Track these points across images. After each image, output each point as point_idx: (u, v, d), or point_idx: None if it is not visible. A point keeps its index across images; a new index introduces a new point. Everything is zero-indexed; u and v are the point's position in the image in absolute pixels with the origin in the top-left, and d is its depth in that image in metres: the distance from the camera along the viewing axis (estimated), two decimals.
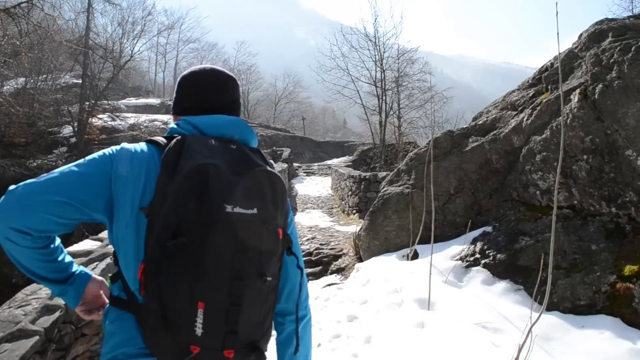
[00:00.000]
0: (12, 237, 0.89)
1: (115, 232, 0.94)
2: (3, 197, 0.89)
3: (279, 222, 0.93)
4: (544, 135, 4.05)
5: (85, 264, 2.84)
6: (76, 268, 1.08)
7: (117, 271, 0.97)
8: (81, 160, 0.95)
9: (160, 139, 0.98)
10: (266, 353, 1.01)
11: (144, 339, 0.88)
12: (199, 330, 0.81)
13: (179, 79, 1.17)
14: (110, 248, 3.04)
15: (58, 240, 1.03)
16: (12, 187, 0.89)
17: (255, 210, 0.86)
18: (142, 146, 0.98)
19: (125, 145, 0.98)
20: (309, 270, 5.87)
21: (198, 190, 0.83)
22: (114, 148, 0.97)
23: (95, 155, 0.96)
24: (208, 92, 1.09)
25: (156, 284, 0.84)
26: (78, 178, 0.91)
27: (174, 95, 1.17)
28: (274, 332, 1.13)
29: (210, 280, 0.82)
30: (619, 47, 3.75)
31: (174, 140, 0.92)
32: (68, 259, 1.06)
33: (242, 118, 1.13)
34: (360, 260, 5.46)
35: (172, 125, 1.04)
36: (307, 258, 6.24)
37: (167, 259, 0.82)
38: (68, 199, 0.89)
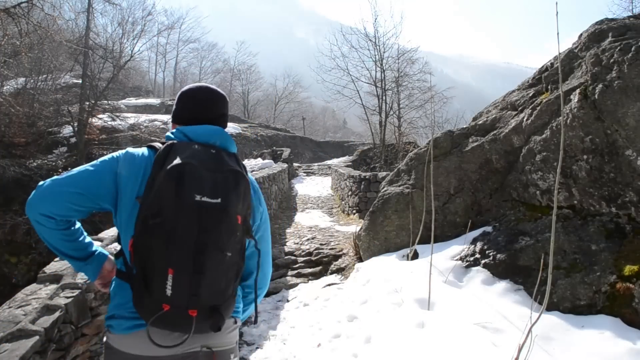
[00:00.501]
0: (41, 221, 1.14)
1: (118, 217, 1.20)
2: (34, 191, 1.15)
3: (239, 211, 1.13)
4: (544, 135, 4.04)
5: None
6: (95, 248, 1.33)
7: (120, 249, 1.23)
8: (95, 161, 1.20)
9: (158, 144, 1.21)
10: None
11: (132, 302, 1.09)
12: (169, 291, 1.02)
13: (179, 93, 1.38)
14: (110, 248, 3.05)
15: (78, 224, 1.27)
16: (41, 182, 1.15)
17: (219, 200, 1.07)
18: (143, 150, 1.23)
19: (129, 149, 1.24)
20: (309, 270, 5.86)
21: (176, 182, 1.05)
22: (121, 152, 1.23)
23: (106, 157, 1.22)
24: (202, 106, 1.32)
25: (140, 255, 1.07)
26: (91, 175, 1.17)
27: (174, 107, 1.38)
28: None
29: (178, 252, 1.03)
30: (619, 47, 3.75)
31: (165, 145, 1.17)
32: (87, 240, 1.30)
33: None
34: (360, 260, 5.46)
35: (169, 133, 1.28)
36: (307, 258, 6.24)
37: (149, 235, 1.05)
38: (83, 190, 1.14)
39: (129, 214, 1.15)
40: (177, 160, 1.07)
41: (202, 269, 1.04)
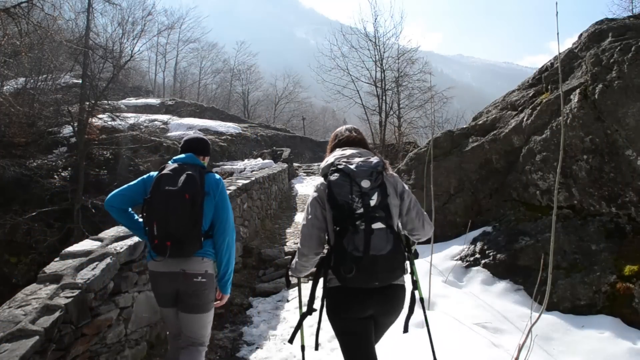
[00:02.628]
0: (108, 209, 2.37)
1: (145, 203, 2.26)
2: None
3: (187, 191, 2.16)
4: (544, 135, 4.05)
5: (85, 264, 2.83)
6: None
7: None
8: (140, 178, 2.44)
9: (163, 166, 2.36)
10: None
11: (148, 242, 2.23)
12: (156, 232, 2.11)
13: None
14: (110, 248, 3.05)
15: (130, 210, 2.45)
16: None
17: (177, 187, 2.16)
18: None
19: (152, 173, 2.40)
20: None
21: (158, 182, 2.20)
22: (148, 174, 2.43)
23: (144, 176, 2.42)
24: (186, 145, 2.53)
25: (145, 217, 2.20)
26: (132, 185, 2.39)
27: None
28: None
29: (157, 213, 2.14)
30: (619, 47, 3.75)
31: (162, 166, 2.33)
32: (139, 220, 2.41)
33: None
34: None
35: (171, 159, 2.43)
36: None
37: (146, 207, 2.19)
38: (126, 193, 2.38)
39: None
40: (160, 172, 2.28)
41: (168, 221, 2.13)
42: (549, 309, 3.06)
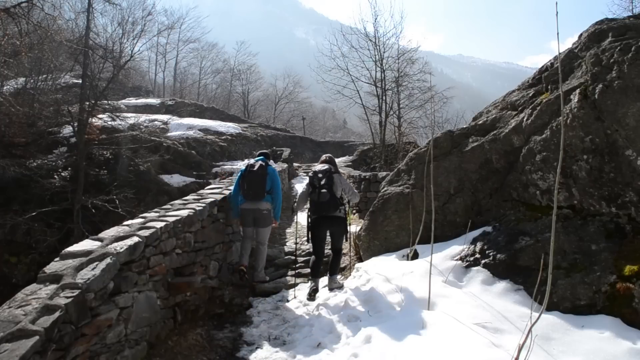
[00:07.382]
0: (232, 196, 5.43)
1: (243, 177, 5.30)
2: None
3: (261, 173, 5.10)
4: (544, 135, 4.05)
5: (85, 264, 2.83)
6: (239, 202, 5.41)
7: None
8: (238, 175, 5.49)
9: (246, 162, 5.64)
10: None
11: (242, 195, 5.22)
12: (245, 192, 5.10)
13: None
14: (110, 248, 3.05)
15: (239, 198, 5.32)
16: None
17: (256, 169, 5.14)
18: (243, 165, 5.61)
19: (241, 167, 5.93)
20: (309, 270, 5.85)
21: (247, 168, 5.21)
22: (241, 168, 5.65)
23: (239, 172, 5.43)
24: (260, 154, 5.55)
25: (243, 187, 5.14)
26: (237, 180, 5.38)
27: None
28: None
29: (249, 180, 5.09)
30: (619, 47, 3.76)
31: (250, 162, 5.36)
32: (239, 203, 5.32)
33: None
34: (360, 260, 5.45)
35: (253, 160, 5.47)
36: (307, 258, 6.23)
37: (243, 178, 5.17)
38: (236, 186, 5.33)
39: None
40: (250, 163, 5.27)
41: (252, 186, 5.03)
42: (549, 309, 3.06)
